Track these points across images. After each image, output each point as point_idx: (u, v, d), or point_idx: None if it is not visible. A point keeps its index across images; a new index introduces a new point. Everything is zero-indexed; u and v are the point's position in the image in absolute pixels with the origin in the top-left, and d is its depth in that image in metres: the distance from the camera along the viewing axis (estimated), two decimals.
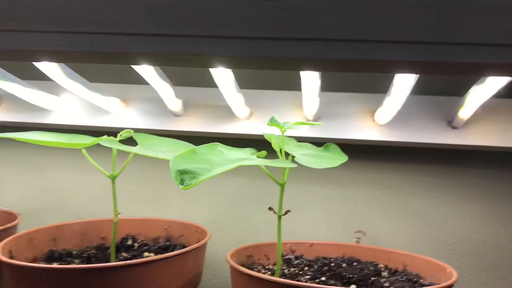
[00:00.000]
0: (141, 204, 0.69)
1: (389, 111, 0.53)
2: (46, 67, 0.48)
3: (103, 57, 0.38)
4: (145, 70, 0.49)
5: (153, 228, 0.65)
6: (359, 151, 0.62)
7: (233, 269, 0.47)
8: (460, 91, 0.54)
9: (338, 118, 0.58)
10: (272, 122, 0.48)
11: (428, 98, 0.58)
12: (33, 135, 0.54)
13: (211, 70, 0.47)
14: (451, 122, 0.56)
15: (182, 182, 0.43)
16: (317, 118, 0.59)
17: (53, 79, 0.52)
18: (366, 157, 0.63)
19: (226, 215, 0.68)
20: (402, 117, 0.56)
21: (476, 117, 0.56)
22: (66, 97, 0.65)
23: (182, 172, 0.45)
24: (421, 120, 0.57)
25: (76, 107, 0.65)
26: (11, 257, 0.52)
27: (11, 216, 0.66)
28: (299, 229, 0.65)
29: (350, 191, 0.65)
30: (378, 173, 0.64)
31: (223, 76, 0.48)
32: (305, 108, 0.56)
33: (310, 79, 0.46)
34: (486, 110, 0.56)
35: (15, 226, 0.60)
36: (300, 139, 0.55)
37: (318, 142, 0.54)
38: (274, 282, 0.43)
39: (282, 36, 0.35)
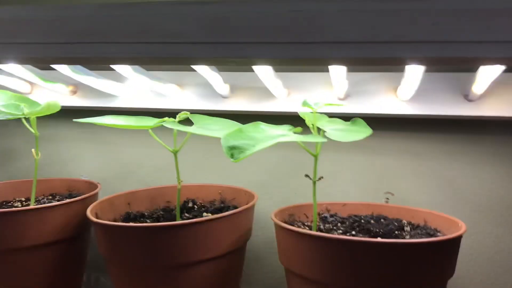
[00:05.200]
0: (198, 173, 0.81)
1: (408, 89, 0.60)
2: (119, 66, 0.59)
3: (169, 61, 0.48)
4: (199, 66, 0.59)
5: (209, 192, 0.76)
6: (385, 123, 0.70)
7: (277, 226, 0.57)
8: (474, 67, 0.60)
9: (365, 95, 0.67)
10: (305, 103, 0.57)
11: (446, 75, 0.65)
12: (108, 119, 0.65)
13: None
14: (467, 96, 0.63)
15: (232, 156, 0.54)
16: (346, 96, 0.68)
17: (123, 74, 0.63)
18: (392, 128, 0.71)
19: (270, 180, 0.78)
20: (422, 93, 0.63)
21: (490, 91, 0.63)
22: (129, 83, 0.76)
23: (232, 148, 0.55)
24: (440, 95, 0.64)
25: (138, 92, 0.76)
26: (97, 218, 0.65)
27: (91, 185, 0.78)
28: (334, 192, 0.74)
29: (378, 158, 0.73)
30: (403, 142, 0.72)
31: (263, 68, 0.57)
32: (335, 88, 0.65)
33: (337, 67, 0.55)
34: (500, 84, 0.62)
35: (97, 194, 0.73)
36: (332, 115, 0.64)
37: (348, 117, 0.63)
38: (310, 235, 0.53)
39: (310, 40, 0.43)
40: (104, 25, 0.48)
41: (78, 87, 0.79)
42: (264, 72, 0.58)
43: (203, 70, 0.61)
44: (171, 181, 0.81)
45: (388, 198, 0.71)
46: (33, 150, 0.70)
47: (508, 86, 0.63)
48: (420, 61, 0.44)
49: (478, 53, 0.40)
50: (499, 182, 0.70)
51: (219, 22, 0.45)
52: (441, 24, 0.40)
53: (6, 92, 0.72)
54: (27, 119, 0.69)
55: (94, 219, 0.59)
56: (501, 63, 0.42)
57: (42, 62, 0.55)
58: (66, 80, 0.77)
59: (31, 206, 0.63)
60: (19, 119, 0.68)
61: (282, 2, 0.43)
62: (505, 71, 0.57)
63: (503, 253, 0.70)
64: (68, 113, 0.80)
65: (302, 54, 0.43)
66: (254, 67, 0.58)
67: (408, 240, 0.52)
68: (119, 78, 0.75)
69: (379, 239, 0.58)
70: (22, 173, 0.88)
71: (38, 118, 0.69)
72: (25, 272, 0.64)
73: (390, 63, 0.45)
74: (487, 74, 0.56)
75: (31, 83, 0.80)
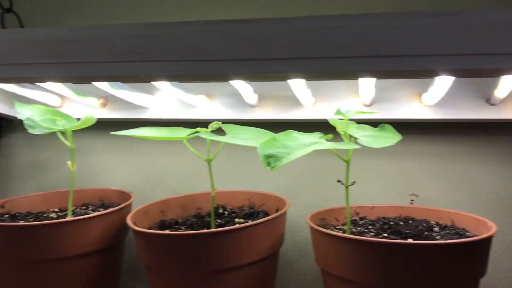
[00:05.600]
0: (226, 179, 0.83)
1: (434, 96, 0.63)
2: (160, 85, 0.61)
3: (210, 78, 0.51)
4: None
5: (238, 198, 0.78)
6: (409, 128, 0.73)
7: (314, 230, 0.60)
8: None
9: (391, 101, 0.69)
10: (338, 112, 0.60)
11: (468, 80, 0.68)
12: (143, 132, 0.68)
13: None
14: (489, 100, 0.66)
15: (268, 164, 0.56)
16: (372, 102, 0.70)
17: (159, 87, 0.65)
18: (416, 132, 0.74)
19: (297, 185, 0.80)
20: (445, 98, 0.66)
21: (511, 95, 0.65)
22: (160, 95, 0.79)
23: (268, 156, 0.57)
24: (463, 100, 0.67)
25: (168, 103, 0.79)
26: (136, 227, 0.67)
27: (122, 194, 0.81)
28: (361, 195, 0.77)
29: (403, 162, 0.76)
30: (426, 145, 0.74)
31: (296, 82, 0.59)
32: (361, 95, 0.67)
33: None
34: None
35: (131, 203, 0.75)
36: (359, 121, 0.66)
37: (374, 122, 0.65)
38: (350, 239, 0.55)
39: (338, 55, 0.45)
40: (147, 44, 0.50)
41: (108, 100, 0.81)
42: (297, 82, 0.60)
43: (236, 82, 0.63)
44: (199, 188, 0.84)
45: (413, 200, 0.73)
46: (68, 162, 0.72)
47: None
48: (450, 72, 0.47)
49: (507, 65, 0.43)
50: None
51: (256, 39, 0.47)
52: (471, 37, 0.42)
53: (39, 107, 0.75)
54: (62, 133, 0.71)
55: (137, 228, 0.62)
56: None
57: (86, 81, 0.57)
58: (97, 93, 0.80)
59: (77, 217, 0.66)
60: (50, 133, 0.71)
61: (317, 20, 0.46)
62: None
63: None
64: (98, 126, 0.82)
65: (335, 68, 0.46)
66: (290, 83, 0.60)
67: (442, 241, 0.55)
68: (149, 90, 0.78)
69: (416, 241, 0.60)
70: (52, 185, 0.91)
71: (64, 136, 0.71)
72: (67, 282, 0.66)
73: (420, 75, 0.48)
74: (510, 79, 0.58)
75: (62, 97, 0.82)
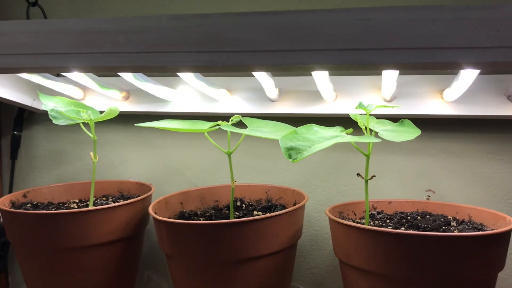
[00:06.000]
0: (243, 173, 0.84)
1: (457, 91, 0.63)
2: (184, 76, 0.62)
3: (232, 69, 0.51)
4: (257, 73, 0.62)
5: (256, 192, 0.79)
6: (428, 124, 0.73)
7: (334, 222, 0.61)
8: None
9: (411, 97, 0.70)
10: (360, 106, 0.61)
11: (488, 77, 0.68)
12: (166, 124, 0.69)
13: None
14: (510, 97, 0.66)
15: (290, 156, 0.57)
16: (392, 98, 0.71)
17: (185, 80, 0.66)
18: (434, 129, 0.74)
19: (314, 179, 0.81)
20: (466, 94, 0.66)
21: None
22: (181, 89, 0.80)
23: (289, 149, 0.58)
24: (483, 96, 0.67)
25: (189, 97, 0.80)
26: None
27: (142, 186, 0.82)
28: (378, 191, 0.77)
29: (420, 157, 0.76)
30: (445, 142, 0.75)
31: (320, 73, 0.60)
32: (383, 90, 0.68)
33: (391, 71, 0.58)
34: None
35: (151, 195, 0.77)
36: (379, 116, 0.67)
37: (394, 118, 0.66)
38: (372, 230, 0.55)
39: (365, 47, 0.46)
40: (176, 35, 0.51)
41: (130, 93, 0.83)
42: (320, 75, 0.61)
43: (260, 75, 0.64)
44: (217, 182, 0.85)
45: (429, 196, 0.74)
46: (91, 153, 0.73)
47: None
48: (474, 66, 0.48)
49: None
50: None
51: (284, 30, 0.48)
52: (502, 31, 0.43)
53: (63, 99, 0.76)
54: (86, 124, 0.73)
55: (160, 218, 0.63)
56: None
57: (113, 70, 0.58)
58: (119, 87, 0.81)
59: (101, 207, 0.67)
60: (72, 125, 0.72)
61: (344, 12, 0.46)
62: None
63: None
64: (118, 119, 0.84)
65: (361, 59, 0.46)
66: (314, 75, 0.61)
67: (463, 233, 0.55)
68: (172, 84, 0.79)
69: (437, 233, 0.60)
70: (71, 176, 0.92)
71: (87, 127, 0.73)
72: (90, 270, 0.68)
73: (445, 67, 0.48)
74: None
75: (84, 89, 0.84)
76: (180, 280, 0.66)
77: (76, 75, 0.70)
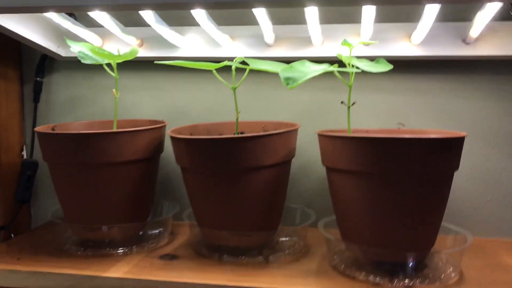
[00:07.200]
0: (243, 113, 0.97)
1: (421, 34, 0.78)
2: (198, 14, 0.75)
3: (240, 5, 0.64)
4: (259, 13, 0.75)
5: (254, 127, 0.92)
6: (398, 66, 0.87)
7: (322, 136, 0.74)
8: (471, 16, 0.78)
9: (384, 41, 0.84)
10: (345, 42, 0.74)
11: (448, 24, 0.83)
12: (181, 61, 0.82)
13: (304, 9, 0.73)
14: (465, 40, 0.81)
15: (287, 84, 0.70)
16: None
17: (198, 20, 0.78)
18: (403, 70, 0.89)
19: (305, 115, 0.95)
20: (429, 39, 0.81)
21: (483, 36, 0.80)
22: (189, 36, 0.92)
23: (287, 78, 0.72)
24: (444, 40, 0.82)
25: (196, 44, 0.93)
26: None
27: (155, 123, 0.95)
28: (357, 124, 0.92)
29: (392, 95, 0.91)
30: (412, 81, 0.90)
31: (311, 12, 0.73)
32: (362, 34, 0.82)
33: (369, 11, 0.72)
34: (490, 30, 0.80)
35: (165, 126, 0.89)
36: (358, 57, 0.81)
37: (371, 59, 0.80)
38: (350, 137, 0.69)
39: None
40: None
41: (143, 41, 0.95)
42: (312, 16, 0.74)
43: (262, 18, 0.77)
44: (220, 120, 0.98)
45: (400, 125, 0.89)
46: (113, 90, 0.85)
47: (497, 32, 0.81)
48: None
49: None
50: (488, 111, 0.88)
51: None
52: None
53: (86, 44, 0.88)
54: (108, 65, 0.85)
55: (181, 136, 0.76)
56: None
57: (134, 9, 0.68)
58: (134, 34, 0.93)
59: (128, 129, 0.79)
60: (89, 69, 0.83)
61: None
62: (496, 19, 0.75)
63: (490, 170, 0.89)
64: (132, 65, 0.95)
65: None
66: (306, 14, 0.74)
67: (424, 136, 0.68)
68: (180, 32, 0.91)
69: (405, 135, 0.68)
70: (88, 118, 1.04)
71: (104, 69, 0.84)
72: (119, 183, 0.80)
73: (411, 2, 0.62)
74: (481, 20, 0.73)
75: (102, 37, 0.95)
76: (195, 190, 0.79)
77: (102, 19, 0.81)
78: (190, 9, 0.70)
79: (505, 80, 0.87)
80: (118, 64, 0.84)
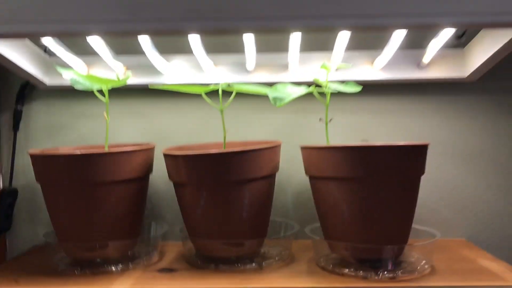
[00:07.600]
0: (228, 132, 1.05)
1: (384, 59, 0.90)
2: (194, 41, 0.82)
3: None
4: (248, 41, 0.84)
5: (237, 146, 1.00)
6: (364, 89, 1.00)
7: (305, 149, 0.83)
8: (425, 44, 0.92)
9: (352, 66, 0.96)
10: (323, 65, 0.85)
11: (406, 51, 0.96)
12: (171, 87, 0.88)
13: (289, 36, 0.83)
14: (419, 64, 0.95)
15: (275, 103, 0.80)
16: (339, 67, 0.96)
17: (191, 45, 0.85)
18: (368, 92, 1.01)
19: (283, 132, 1.04)
20: (389, 65, 0.94)
21: (433, 61, 0.95)
22: (174, 62, 0.99)
23: (275, 98, 0.81)
24: (402, 65, 0.95)
25: (180, 70, 1.00)
26: None
27: (141, 146, 0.99)
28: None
29: (357, 114, 1.03)
30: (376, 102, 1.02)
31: (294, 41, 0.84)
32: (332, 62, 0.93)
33: (342, 40, 0.83)
34: (439, 56, 0.95)
35: (154, 147, 0.94)
36: (330, 81, 0.92)
37: (341, 82, 0.91)
38: (330, 147, 0.79)
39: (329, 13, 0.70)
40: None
41: (128, 67, 1.00)
42: (294, 43, 0.84)
43: (250, 49, 0.86)
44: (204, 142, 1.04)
45: (365, 141, 1.00)
46: (104, 113, 0.90)
47: (445, 58, 0.96)
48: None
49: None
50: (442, 125, 1.02)
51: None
52: None
53: (75, 71, 0.92)
54: (99, 90, 0.89)
55: (177, 153, 0.82)
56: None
57: (131, 35, 0.74)
58: (120, 61, 0.98)
59: (124, 149, 0.83)
60: (68, 97, 0.87)
61: None
62: (444, 47, 0.89)
63: (445, 178, 1.02)
64: (114, 92, 1.00)
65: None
66: (290, 43, 0.84)
67: (394, 143, 0.79)
68: (166, 58, 0.98)
69: (376, 144, 0.78)
70: (67, 145, 1.07)
71: (84, 97, 0.88)
72: (113, 202, 0.84)
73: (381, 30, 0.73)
74: (433, 47, 0.87)
75: (88, 65, 1.00)
76: (189, 203, 0.84)
77: (96, 44, 0.86)
78: (187, 35, 0.78)
79: (454, 100, 1.02)
80: (99, 90, 0.89)
